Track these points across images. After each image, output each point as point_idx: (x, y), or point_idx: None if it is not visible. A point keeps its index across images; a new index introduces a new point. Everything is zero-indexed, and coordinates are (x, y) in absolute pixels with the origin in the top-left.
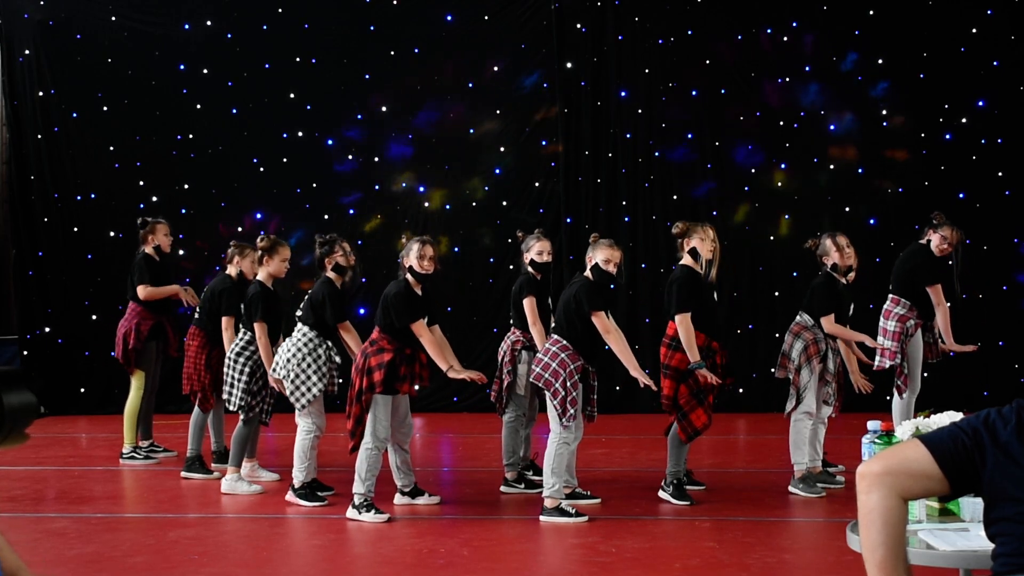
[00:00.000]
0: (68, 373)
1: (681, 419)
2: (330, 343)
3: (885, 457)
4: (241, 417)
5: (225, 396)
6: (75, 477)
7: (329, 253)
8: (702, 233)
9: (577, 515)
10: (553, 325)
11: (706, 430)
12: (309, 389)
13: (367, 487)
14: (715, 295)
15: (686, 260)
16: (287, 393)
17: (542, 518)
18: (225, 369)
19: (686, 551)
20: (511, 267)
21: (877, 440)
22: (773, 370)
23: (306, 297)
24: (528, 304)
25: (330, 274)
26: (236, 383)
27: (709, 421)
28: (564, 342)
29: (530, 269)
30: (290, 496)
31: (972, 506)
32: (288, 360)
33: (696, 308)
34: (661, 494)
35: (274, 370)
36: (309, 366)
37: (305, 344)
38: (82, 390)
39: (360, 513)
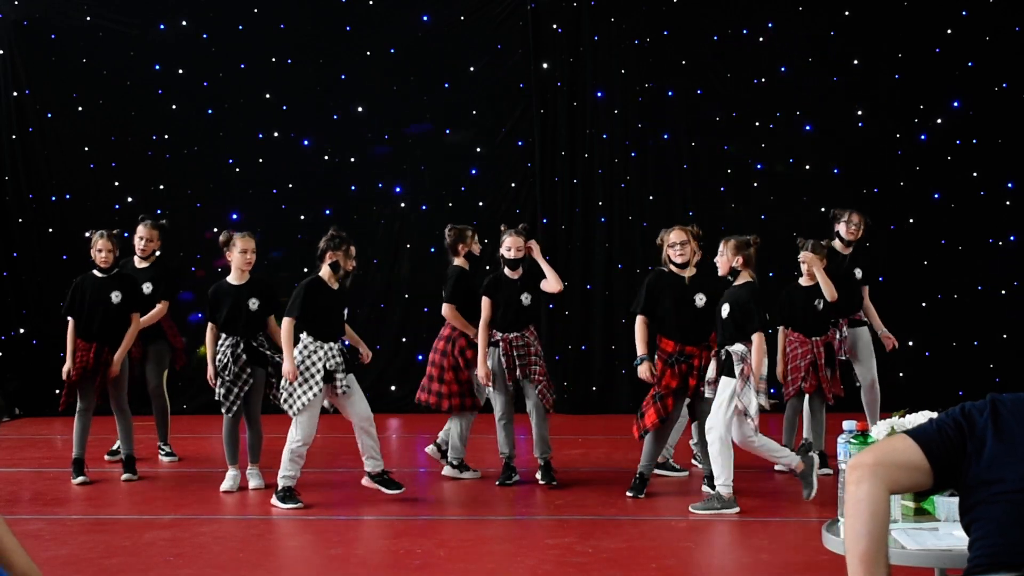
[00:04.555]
0: (43, 374)
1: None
2: (329, 346)
3: (875, 450)
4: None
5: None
6: (50, 479)
7: (334, 248)
8: (666, 237)
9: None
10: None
11: (654, 428)
12: (299, 398)
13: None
14: (697, 299)
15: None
16: (282, 400)
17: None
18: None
19: (662, 551)
20: (487, 267)
21: (852, 440)
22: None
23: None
24: (483, 304)
25: (324, 271)
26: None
27: (659, 421)
28: None
29: (505, 267)
30: (273, 499)
31: (947, 505)
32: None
33: (662, 311)
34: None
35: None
36: (301, 374)
37: (301, 351)
38: (57, 391)
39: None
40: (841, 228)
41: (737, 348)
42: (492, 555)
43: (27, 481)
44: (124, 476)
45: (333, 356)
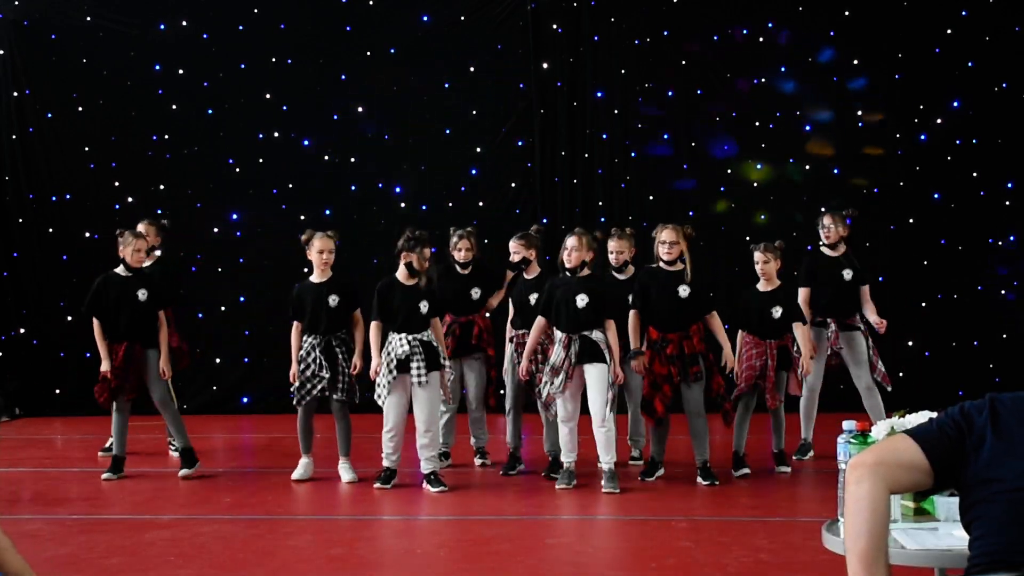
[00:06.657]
0: (43, 374)
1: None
2: (401, 336)
3: (876, 449)
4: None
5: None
6: (50, 478)
7: (408, 250)
8: (659, 234)
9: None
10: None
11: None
12: (379, 387)
13: None
14: (681, 291)
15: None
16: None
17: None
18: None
19: (662, 551)
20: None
21: (852, 440)
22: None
23: None
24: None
25: (400, 271)
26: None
27: (664, 409)
28: None
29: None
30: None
31: (947, 505)
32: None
33: (650, 304)
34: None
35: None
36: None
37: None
38: (57, 391)
39: None
40: (820, 232)
41: (599, 335)
42: (492, 555)
43: (27, 481)
44: (181, 472)
45: (403, 345)
